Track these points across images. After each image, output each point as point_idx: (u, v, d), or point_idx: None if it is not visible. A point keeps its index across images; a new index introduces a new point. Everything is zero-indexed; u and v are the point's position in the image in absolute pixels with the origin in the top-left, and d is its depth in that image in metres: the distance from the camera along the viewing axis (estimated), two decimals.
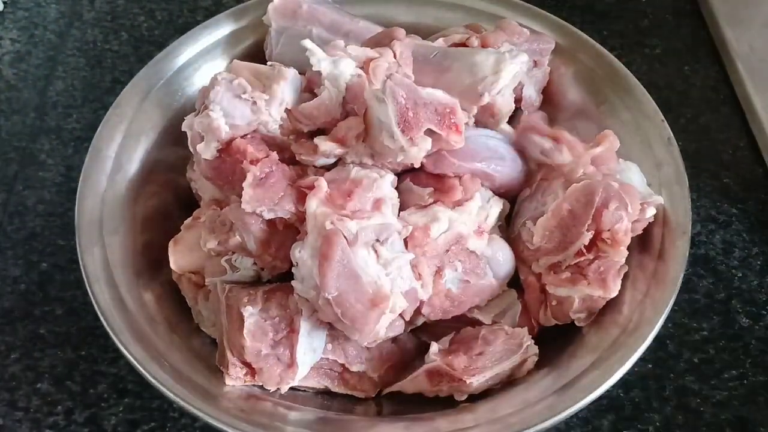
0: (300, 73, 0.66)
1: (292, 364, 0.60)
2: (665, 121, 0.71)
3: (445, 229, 0.63)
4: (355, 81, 0.62)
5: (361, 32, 0.75)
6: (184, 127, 0.64)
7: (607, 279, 0.61)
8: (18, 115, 0.88)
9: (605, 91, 0.75)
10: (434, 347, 0.62)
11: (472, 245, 0.63)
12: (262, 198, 0.59)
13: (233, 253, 0.63)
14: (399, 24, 0.72)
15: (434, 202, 0.64)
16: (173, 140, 0.72)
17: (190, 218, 0.67)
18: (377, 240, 0.59)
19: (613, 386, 0.59)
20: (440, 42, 0.71)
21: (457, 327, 0.65)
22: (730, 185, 0.83)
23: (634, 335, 0.60)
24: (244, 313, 0.59)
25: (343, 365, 0.63)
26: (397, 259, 0.59)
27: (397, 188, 0.64)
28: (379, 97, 0.59)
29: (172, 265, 0.65)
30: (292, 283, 0.59)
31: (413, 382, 0.63)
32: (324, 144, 0.61)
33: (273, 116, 0.64)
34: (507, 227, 0.69)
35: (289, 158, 0.65)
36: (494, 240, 0.65)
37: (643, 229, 0.64)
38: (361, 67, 0.63)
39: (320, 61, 0.63)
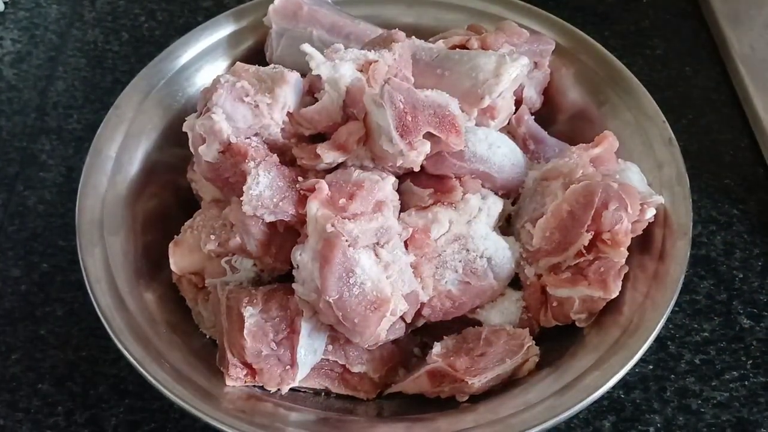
0: (301, 75, 0.66)
1: (292, 364, 0.60)
2: (666, 121, 0.71)
3: (446, 230, 0.63)
4: (355, 84, 0.62)
5: (361, 34, 0.75)
6: (185, 128, 0.64)
7: (608, 280, 0.61)
8: (19, 115, 0.88)
9: (606, 92, 0.75)
10: (436, 348, 0.62)
11: (472, 246, 0.63)
12: (263, 200, 0.59)
13: (233, 254, 0.63)
14: (399, 25, 0.72)
15: (434, 203, 0.64)
16: (174, 141, 0.72)
17: (191, 219, 0.67)
18: (378, 242, 0.59)
19: (614, 387, 0.59)
20: (440, 44, 0.71)
21: (459, 328, 0.65)
22: (731, 186, 0.83)
23: (634, 336, 0.60)
24: (244, 314, 0.59)
25: (343, 366, 0.63)
26: (397, 262, 0.59)
27: (397, 190, 0.64)
28: (378, 102, 0.59)
29: (173, 267, 0.65)
30: (293, 285, 0.59)
31: (415, 383, 0.63)
32: (327, 154, 0.61)
33: (275, 120, 0.64)
34: (507, 227, 0.69)
35: (290, 160, 0.65)
36: (495, 241, 0.65)
37: (644, 230, 0.64)
38: (361, 71, 0.63)
39: (319, 65, 0.63)
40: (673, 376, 0.70)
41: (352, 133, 0.62)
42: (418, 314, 0.63)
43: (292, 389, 0.62)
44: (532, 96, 0.76)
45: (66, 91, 0.90)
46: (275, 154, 0.63)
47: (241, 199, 0.59)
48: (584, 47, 0.78)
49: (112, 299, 0.62)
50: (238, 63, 0.68)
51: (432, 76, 0.67)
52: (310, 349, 0.61)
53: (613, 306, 0.63)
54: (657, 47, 0.96)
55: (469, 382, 0.59)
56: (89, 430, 0.66)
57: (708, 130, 0.88)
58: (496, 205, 0.66)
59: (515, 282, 0.67)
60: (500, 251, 0.64)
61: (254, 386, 0.61)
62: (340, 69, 0.63)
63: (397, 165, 0.62)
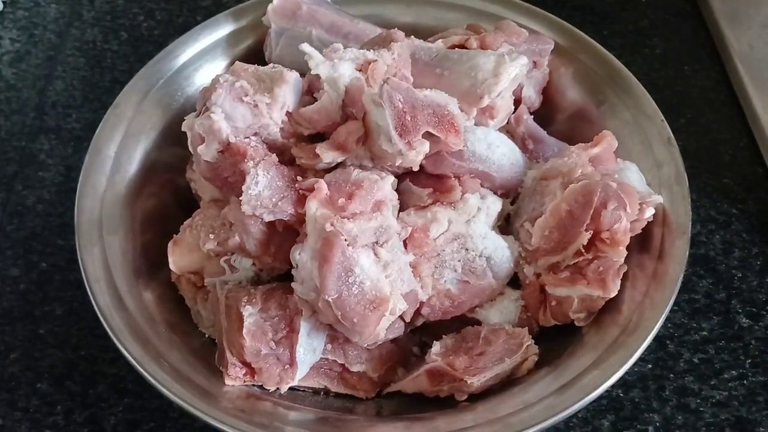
0: (300, 75, 0.66)
1: (291, 363, 0.60)
2: (665, 121, 0.71)
3: (444, 229, 0.63)
4: (354, 84, 0.62)
5: (360, 33, 0.75)
6: (184, 128, 0.64)
7: (607, 279, 0.61)
8: (17, 114, 0.88)
9: (605, 92, 0.75)
10: (436, 347, 0.62)
11: (471, 245, 0.63)
12: (262, 199, 0.59)
13: (232, 253, 0.63)
14: (398, 25, 0.72)
15: (433, 203, 0.64)
16: (173, 140, 0.72)
17: (190, 219, 0.67)
18: (377, 242, 0.59)
19: (613, 386, 0.59)
20: (439, 43, 0.71)
21: (458, 327, 0.65)
22: (730, 185, 0.83)
23: (633, 335, 0.60)
24: (243, 313, 0.59)
25: (342, 365, 0.63)
26: (396, 261, 0.59)
27: (396, 189, 0.64)
28: (377, 102, 0.59)
29: (172, 266, 0.65)
30: (292, 284, 0.59)
31: (414, 382, 0.63)
32: (326, 153, 0.61)
33: (274, 119, 0.64)
34: (506, 227, 0.69)
35: (289, 160, 0.65)
36: (494, 240, 0.65)
37: (643, 229, 0.64)
38: (360, 70, 0.63)
39: (318, 64, 0.63)
40: (672, 375, 0.70)
41: (351, 133, 0.62)
42: (417, 313, 0.63)
43: (291, 388, 0.62)
44: (531, 95, 0.76)
45: (65, 91, 0.90)
46: (274, 154, 0.63)
47: (240, 198, 0.59)
48: (583, 47, 0.78)
49: (111, 298, 0.62)
50: (237, 62, 0.68)
51: (431, 75, 0.67)
52: (309, 348, 0.61)
53: (612, 305, 0.63)
54: (656, 47, 0.96)
55: (468, 382, 0.59)
56: (88, 430, 0.66)
57: (707, 130, 0.88)
58: (495, 205, 0.66)
59: (514, 281, 0.67)
60: (499, 250, 0.64)
61: (253, 385, 0.61)
62: (339, 68, 0.63)
63: (396, 164, 0.62)
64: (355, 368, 0.63)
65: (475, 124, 0.67)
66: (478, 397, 0.61)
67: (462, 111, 0.64)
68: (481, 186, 0.66)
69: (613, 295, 0.62)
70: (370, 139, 0.62)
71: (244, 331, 0.59)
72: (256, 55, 0.77)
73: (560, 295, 0.63)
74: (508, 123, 0.71)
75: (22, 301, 0.74)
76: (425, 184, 0.65)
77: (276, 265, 0.63)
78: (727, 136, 0.88)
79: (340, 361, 0.62)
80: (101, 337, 0.70)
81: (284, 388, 0.61)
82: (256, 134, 0.64)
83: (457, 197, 0.64)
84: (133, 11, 0.99)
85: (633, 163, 0.69)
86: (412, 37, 0.70)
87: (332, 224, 0.57)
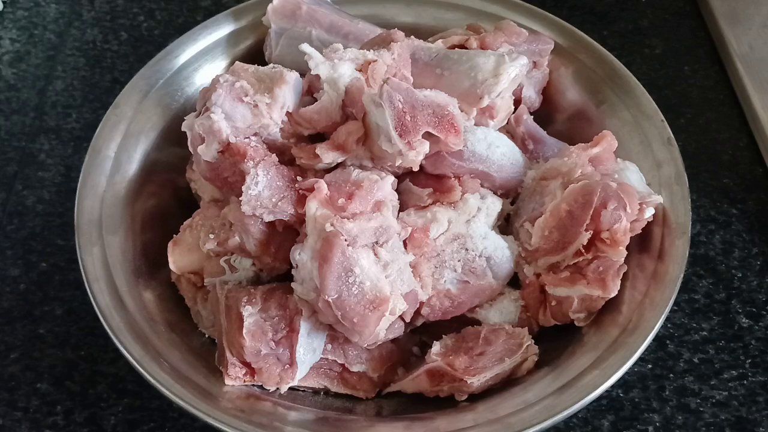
0: (300, 75, 0.66)
1: (291, 363, 0.60)
2: (665, 121, 0.72)
3: (444, 229, 0.63)
4: (353, 84, 0.62)
5: (360, 33, 0.75)
6: (184, 128, 0.64)
7: (607, 279, 0.61)
8: (17, 114, 0.88)
9: (605, 91, 0.75)
10: (436, 347, 0.62)
11: (471, 245, 0.63)
12: (262, 200, 0.59)
13: (232, 253, 0.63)
14: (398, 25, 0.73)
15: (433, 203, 0.64)
16: (173, 140, 0.72)
17: (190, 218, 0.67)
18: (377, 242, 0.59)
19: (613, 386, 0.59)
20: (439, 43, 0.71)
21: (458, 327, 0.65)
22: (729, 185, 0.83)
23: (633, 335, 0.60)
24: (243, 313, 0.59)
25: (342, 365, 0.63)
26: (396, 261, 0.59)
27: (396, 189, 0.64)
28: (377, 102, 0.59)
29: (172, 266, 0.65)
30: (292, 284, 0.59)
31: (414, 382, 0.63)
32: (326, 154, 0.61)
33: (274, 120, 0.64)
34: (506, 227, 0.69)
35: (289, 160, 0.65)
36: (494, 240, 0.65)
37: (643, 229, 0.64)
38: (360, 70, 0.63)
39: (318, 65, 0.63)
40: (671, 375, 0.70)
41: (351, 133, 0.62)
42: (417, 313, 0.63)
43: (291, 388, 0.62)
44: (531, 95, 0.76)
45: (65, 91, 0.90)
46: (274, 154, 0.63)
47: (240, 198, 0.59)
48: (583, 47, 0.78)
49: (111, 298, 0.62)
50: (237, 62, 0.68)
51: (431, 75, 0.67)
52: (309, 348, 0.61)
53: (612, 305, 0.63)
54: (655, 46, 0.96)
55: (468, 382, 0.59)
56: (88, 430, 0.66)
57: (706, 130, 0.88)
58: (495, 205, 0.66)
59: (514, 281, 0.67)
60: (499, 250, 0.65)
61: (253, 385, 0.61)
62: (339, 69, 0.63)
63: (396, 165, 0.62)
64: (355, 368, 0.63)
65: (475, 124, 0.67)
66: (478, 397, 0.61)
67: (462, 111, 0.64)
68: (481, 186, 0.66)
69: (613, 295, 0.62)
70: (370, 139, 0.62)
71: (244, 331, 0.59)
72: (256, 55, 0.77)
73: (560, 295, 0.63)
74: (508, 123, 0.71)
75: (22, 301, 0.74)
76: (425, 184, 0.65)
77: (276, 265, 0.63)
78: (726, 136, 0.88)
79: (340, 361, 0.62)
80: (101, 337, 0.70)
81: (284, 388, 0.61)
82: (256, 134, 0.64)
83: (457, 197, 0.64)
84: (133, 11, 0.99)
85: (633, 163, 0.69)
86: (412, 37, 0.70)
87: (332, 224, 0.57)
